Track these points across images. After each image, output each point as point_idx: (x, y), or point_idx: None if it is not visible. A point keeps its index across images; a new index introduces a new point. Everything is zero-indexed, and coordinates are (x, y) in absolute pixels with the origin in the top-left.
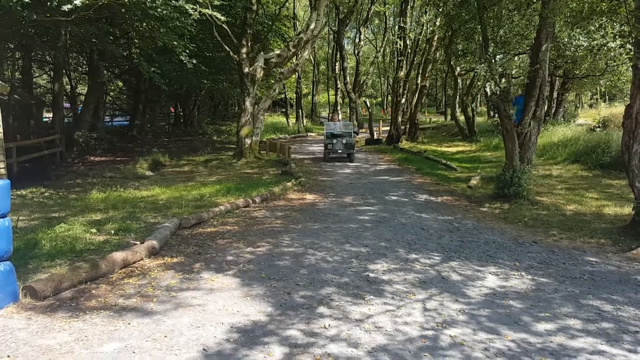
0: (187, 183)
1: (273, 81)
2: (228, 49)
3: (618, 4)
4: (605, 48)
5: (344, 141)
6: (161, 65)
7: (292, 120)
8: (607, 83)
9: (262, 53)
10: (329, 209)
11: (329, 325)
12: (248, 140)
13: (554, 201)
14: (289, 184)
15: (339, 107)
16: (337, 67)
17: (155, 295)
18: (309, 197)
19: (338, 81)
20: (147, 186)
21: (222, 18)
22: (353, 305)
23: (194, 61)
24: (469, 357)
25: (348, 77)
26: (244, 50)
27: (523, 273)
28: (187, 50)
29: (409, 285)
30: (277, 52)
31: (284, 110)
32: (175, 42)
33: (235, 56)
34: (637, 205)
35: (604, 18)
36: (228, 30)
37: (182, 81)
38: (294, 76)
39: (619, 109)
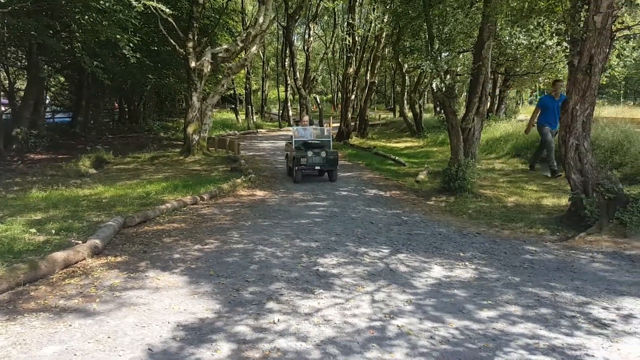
0: (132, 180)
1: (221, 76)
2: (174, 43)
3: (555, 3)
4: (544, 46)
5: (323, 154)
6: (104, 59)
7: (242, 116)
8: (546, 80)
9: (209, 47)
10: (279, 205)
11: (278, 320)
12: (196, 137)
13: (496, 194)
14: (239, 180)
15: (289, 104)
16: (286, 63)
17: (98, 296)
18: (259, 193)
19: (288, 77)
20: (90, 184)
21: (168, 11)
22: (302, 300)
23: (138, 55)
24: (415, 346)
25: (298, 73)
26: (191, 44)
27: (467, 263)
28: (131, 44)
29: (358, 278)
30: (225, 46)
31: (233, 106)
32: (118, 36)
33: (182, 50)
34: (573, 196)
35: (542, 16)
36: (174, 23)
37: (127, 76)
38: (243, 72)
39: None
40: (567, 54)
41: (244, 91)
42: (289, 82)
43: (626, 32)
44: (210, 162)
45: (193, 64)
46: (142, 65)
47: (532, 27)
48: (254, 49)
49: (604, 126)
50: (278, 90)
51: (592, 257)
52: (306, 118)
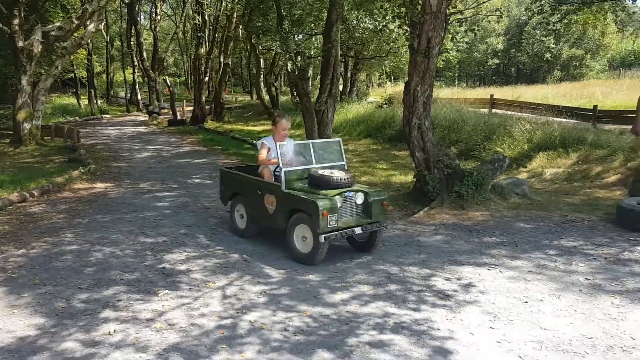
0: None
1: (55, 57)
2: None
3: None
4: (387, 30)
5: (360, 198)
6: None
7: (85, 101)
8: (391, 64)
9: (39, 25)
10: (123, 198)
11: (114, 330)
12: (27, 125)
13: None
14: (76, 172)
15: (137, 87)
16: (132, 43)
17: None
18: (100, 185)
19: (135, 58)
20: None
21: None
22: (144, 304)
23: None
24: (267, 341)
25: (145, 54)
26: (17, 21)
27: None
28: None
29: (209, 272)
30: (58, 24)
31: (75, 90)
32: None
33: (6, 28)
34: (417, 173)
35: (384, 0)
36: None
37: None
38: (83, 52)
39: (401, 87)
40: (408, 37)
41: (86, 74)
42: (136, 63)
43: (459, 16)
44: (44, 153)
45: (20, 44)
46: None
47: (376, 10)
48: (91, 26)
49: (442, 106)
50: (124, 72)
51: (435, 230)
52: (286, 124)
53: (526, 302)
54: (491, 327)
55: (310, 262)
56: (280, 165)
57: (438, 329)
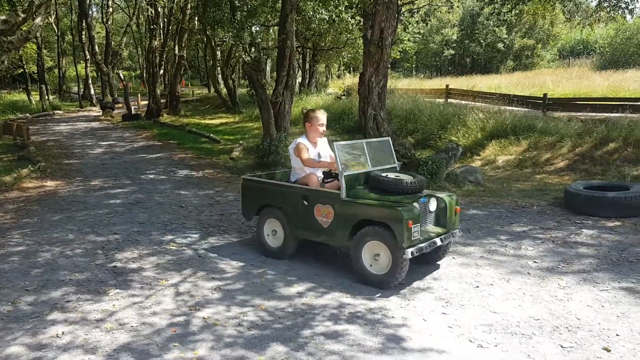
0: None
1: (1, 52)
2: None
3: None
4: (344, 22)
5: (433, 205)
6: None
7: (36, 97)
8: (349, 55)
9: None
10: (74, 196)
11: (62, 332)
12: None
13: None
14: (25, 170)
15: (90, 81)
16: (84, 37)
17: None
18: (50, 184)
19: (87, 52)
20: None
21: None
22: (94, 304)
23: None
24: (221, 337)
25: (97, 48)
26: None
27: None
28: None
29: (162, 270)
30: (3, 17)
31: (25, 86)
32: None
33: None
34: None
35: None
36: None
37: None
38: (33, 47)
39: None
40: (361, 27)
41: (36, 69)
42: (87, 57)
43: (411, 6)
44: None
45: None
46: None
47: (330, 0)
48: (38, 20)
49: (399, 97)
50: (76, 66)
51: None
52: (323, 117)
53: (477, 286)
54: (443, 313)
55: (389, 284)
56: (339, 168)
57: (392, 316)
